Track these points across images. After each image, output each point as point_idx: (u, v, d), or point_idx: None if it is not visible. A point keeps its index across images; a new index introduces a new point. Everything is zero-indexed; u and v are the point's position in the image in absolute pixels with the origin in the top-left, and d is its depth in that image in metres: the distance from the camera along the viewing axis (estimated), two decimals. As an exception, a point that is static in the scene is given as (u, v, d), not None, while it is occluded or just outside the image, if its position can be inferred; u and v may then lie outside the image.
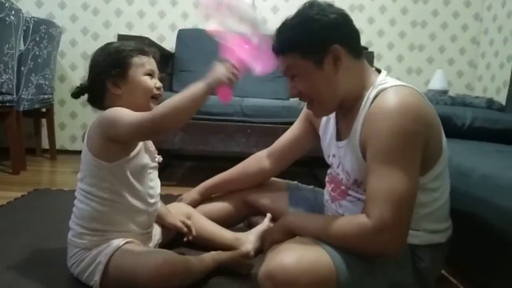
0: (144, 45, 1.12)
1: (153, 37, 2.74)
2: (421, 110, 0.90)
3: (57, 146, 2.82)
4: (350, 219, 0.91)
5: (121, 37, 2.10)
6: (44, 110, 2.75)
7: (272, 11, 2.90)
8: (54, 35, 2.58)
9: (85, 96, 1.10)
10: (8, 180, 2.17)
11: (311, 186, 1.42)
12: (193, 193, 1.41)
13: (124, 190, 1.03)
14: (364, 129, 0.94)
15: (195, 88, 0.93)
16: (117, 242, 1.01)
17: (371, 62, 2.29)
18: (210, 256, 1.13)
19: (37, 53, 2.41)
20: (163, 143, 2.03)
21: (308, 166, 2.45)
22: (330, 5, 0.98)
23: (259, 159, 1.39)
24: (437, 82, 2.73)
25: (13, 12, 2.12)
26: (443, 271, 1.20)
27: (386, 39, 2.99)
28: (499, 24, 2.77)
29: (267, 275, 0.85)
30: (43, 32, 2.43)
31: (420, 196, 0.91)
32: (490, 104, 2.13)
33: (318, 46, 0.95)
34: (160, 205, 1.19)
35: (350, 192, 1.05)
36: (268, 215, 1.30)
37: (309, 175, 2.49)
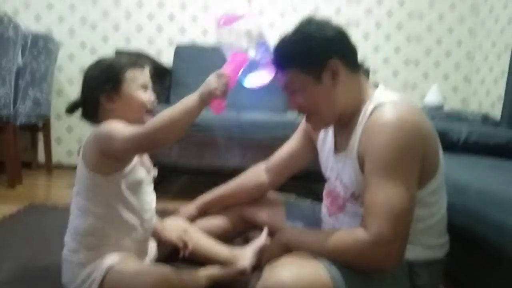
0: (137, 58, 1.12)
1: (151, 51, 2.76)
2: (418, 124, 0.91)
3: (54, 160, 2.81)
4: (348, 233, 0.91)
5: (119, 52, 2.11)
6: (40, 124, 2.75)
7: (269, 26, 2.93)
8: (52, 49, 2.59)
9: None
10: (4, 194, 2.16)
11: (308, 200, 1.42)
12: (190, 208, 1.40)
13: (119, 204, 1.02)
14: (362, 142, 0.95)
15: (188, 101, 0.92)
16: (113, 257, 1.00)
17: (366, 77, 2.30)
18: (206, 272, 1.12)
19: (35, 67, 2.42)
20: (159, 156, 2.02)
21: (305, 180, 2.44)
22: (328, 22, 1.00)
23: (257, 173, 1.39)
24: (432, 97, 2.75)
25: (11, 27, 2.13)
26: (440, 287, 1.19)
27: (382, 55, 3.02)
28: (493, 39, 2.80)
29: (264, 291, 0.85)
30: (41, 47, 2.44)
31: (417, 210, 0.91)
32: (485, 119, 2.15)
33: (317, 61, 0.97)
34: (155, 219, 1.18)
35: (347, 206, 1.05)
36: (265, 230, 1.29)
37: (306, 189, 2.49)
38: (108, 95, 1.04)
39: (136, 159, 1.06)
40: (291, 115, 2.32)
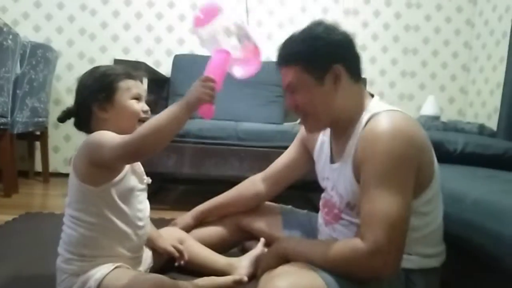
0: (131, 69, 1.12)
1: (149, 62, 2.78)
2: (413, 134, 0.92)
3: (51, 169, 2.80)
4: (344, 243, 0.91)
5: (117, 62, 2.12)
6: (38, 133, 2.75)
7: (268, 38, 2.96)
8: (51, 59, 2.61)
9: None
10: (0, 203, 2.15)
11: (305, 211, 1.42)
12: (186, 217, 1.40)
13: (112, 214, 1.01)
14: (357, 152, 0.95)
15: (175, 109, 0.90)
16: (107, 267, 0.99)
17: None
18: (203, 282, 1.12)
19: (33, 76, 2.42)
20: (157, 166, 2.02)
21: (302, 190, 2.44)
22: (337, 27, 1.02)
23: (253, 183, 1.39)
24: (429, 108, 2.77)
25: (10, 37, 2.14)
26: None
27: (379, 66, 3.05)
28: (488, 51, 2.83)
29: (260, 301, 0.85)
30: (40, 56, 2.45)
31: (413, 220, 0.91)
32: (482, 129, 2.16)
33: (321, 62, 0.98)
34: (151, 228, 1.18)
35: (343, 215, 1.05)
36: (262, 240, 1.29)
37: (303, 199, 2.48)
38: (101, 104, 1.04)
39: (127, 168, 1.05)
40: (288, 126, 2.34)
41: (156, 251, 1.21)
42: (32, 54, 2.39)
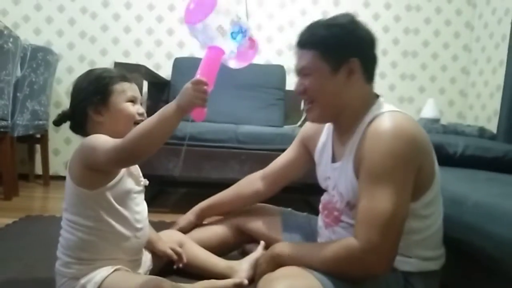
0: (126, 71, 1.12)
1: (150, 65, 2.78)
2: (415, 135, 0.92)
3: (51, 172, 2.80)
4: (338, 242, 0.92)
5: (117, 65, 2.12)
6: (38, 136, 2.75)
7: (267, 42, 2.97)
8: (51, 62, 2.61)
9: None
10: (0, 206, 2.14)
11: (304, 213, 1.42)
12: (188, 215, 1.41)
13: (109, 217, 1.01)
14: (359, 150, 0.96)
15: (167, 112, 0.89)
16: (106, 270, 0.99)
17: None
18: (202, 285, 1.11)
19: (34, 79, 2.43)
20: (157, 169, 2.02)
21: (302, 193, 2.45)
22: (364, 24, 1.02)
23: (252, 181, 1.39)
24: (429, 111, 2.77)
25: (11, 40, 2.15)
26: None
27: (378, 69, 3.00)
28: (488, 54, 2.84)
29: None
30: (40, 59, 2.46)
31: (412, 222, 0.92)
32: (482, 132, 2.16)
33: (340, 52, 0.98)
34: (150, 231, 1.17)
35: (343, 217, 1.05)
36: (262, 243, 1.28)
37: (303, 202, 2.49)
38: (96, 107, 1.03)
39: (123, 170, 1.04)
40: (288, 129, 2.34)
41: (156, 254, 1.20)
42: (32, 57, 2.39)
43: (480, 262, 1.05)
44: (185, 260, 1.20)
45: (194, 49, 2.90)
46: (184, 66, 2.74)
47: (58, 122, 1.08)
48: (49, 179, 2.75)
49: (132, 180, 1.07)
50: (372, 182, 0.88)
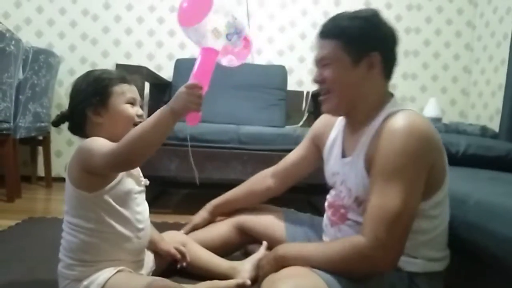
0: (125, 73, 1.12)
1: (151, 66, 2.79)
2: (429, 134, 0.92)
3: (53, 174, 2.81)
4: (345, 239, 0.93)
5: (119, 67, 2.13)
6: (40, 137, 2.76)
7: (268, 42, 2.97)
8: (53, 64, 2.62)
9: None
10: (3, 208, 2.15)
11: (307, 214, 1.42)
12: (202, 212, 1.42)
13: (110, 218, 1.01)
14: (371, 146, 0.96)
15: (161, 116, 0.88)
16: (109, 271, 0.99)
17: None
18: (205, 286, 1.11)
19: (36, 81, 2.43)
20: (159, 170, 2.03)
21: (305, 193, 2.45)
22: (389, 22, 1.03)
23: (264, 178, 1.40)
24: (430, 110, 2.77)
25: (13, 42, 2.16)
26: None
27: (380, 68, 3.04)
28: (489, 53, 2.83)
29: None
30: (42, 61, 2.46)
31: (421, 222, 0.92)
32: (484, 131, 2.15)
33: (363, 45, 0.99)
34: (153, 232, 1.17)
35: (349, 215, 1.05)
36: (264, 243, 1.28)
37: (306, 202, 2.49)
38: (95, 109, 1.03)
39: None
40: (289, 129, 2.34)
41: (158, 254, 1.21)
42: (34, 60, 2.40)
43: (483, 261, 1.05)
44: (188, 259, 1.20)
45: (195, 50, 2.90)
46: (186, 67, 2.73)
47: (56, 123, 1.09)
48: (51, 181, 2.76)
49: (132, 180, 1.07)
50: (383, 179, 0.89)
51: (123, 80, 1.07)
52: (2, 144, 2.23)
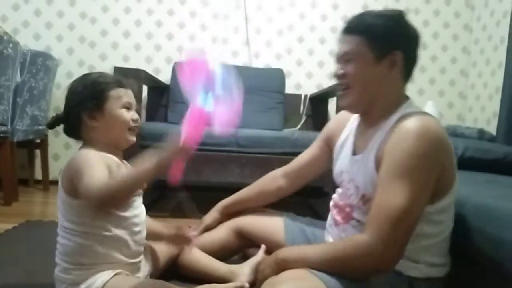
0: (121, 77, 1.12)
1: (149, 69, 2.79)
2: (441, 137, 0.93)
3: (51, 177, 2.79)
4: (346, 238, 0.95)
5: (117, 70, 2.13)
6: (38, 141, 2.75)
7: (266, 45, 2.97)
8: (51, 67, 2.61)
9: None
10: (0, 211, 2.14)
11: (307, 217, 1.42)
12: (213, 212, 1.42)
13: (106, 222, 1.00)
14: (382, 145, 0.96)
15: (146, 170, 0.90)
16: (107, 274, 0.99)
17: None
18: (203, 289, 1.11)
19: (33, 84, 2.43)
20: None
21: (304, 196, 2.44)
22: (414, 25, 1.04)
23: (275, 179, 1.40)
24: (428, 113, 2.78)
25: (11, 45, 2.15)
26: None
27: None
28: (487, 57, 2.85)
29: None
30: (40, 64, 2.46)
31: (425, 226, 0.92)
32: (481, 134, 2.16)
33: (387, 43, 0.99)
34: (152, 223, 1.16)
35: (354, 214, 1.06)
36: (263, 246, 1.28)
37: (305, 205, 2.48)
38: (90, 112, 1.03)
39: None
40: (288, 132, 2.34)
41: (155, 258, 1.20)
42: (32, 62, 2.40)
43: (480, 264, 1.05)
44: (194, 242, 1.18)
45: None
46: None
47: (51, 125, 1.09)
48: (49, 184, 2.75)
49: None
50: (391, 178, 0.89)
51: (120, 85, 1.07)
52: (0, 147, 2.22)
